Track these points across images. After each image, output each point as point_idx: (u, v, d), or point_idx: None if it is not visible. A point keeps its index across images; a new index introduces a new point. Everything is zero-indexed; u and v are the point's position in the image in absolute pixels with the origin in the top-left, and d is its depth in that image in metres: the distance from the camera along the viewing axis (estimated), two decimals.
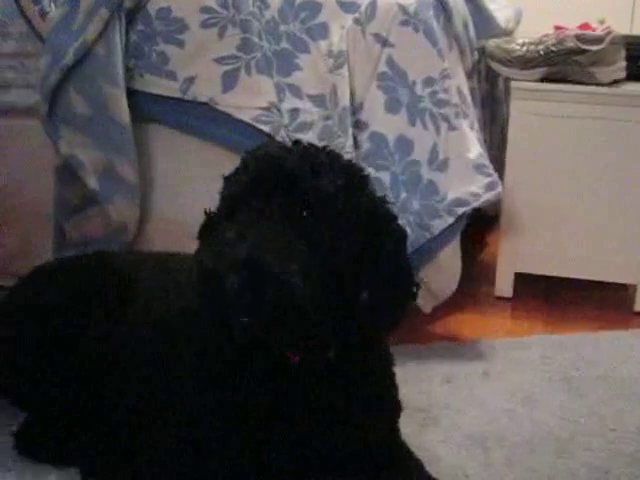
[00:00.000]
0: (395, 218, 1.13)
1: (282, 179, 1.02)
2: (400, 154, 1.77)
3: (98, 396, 1.32)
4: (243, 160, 1.08)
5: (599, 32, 2.03)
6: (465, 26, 1.96)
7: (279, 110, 1.77)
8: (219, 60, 1.77)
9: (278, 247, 0.97)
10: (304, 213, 1.02)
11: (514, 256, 2.12)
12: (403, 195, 1.76)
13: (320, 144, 1.13)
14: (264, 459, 1.13)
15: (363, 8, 1.79)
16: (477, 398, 1.60)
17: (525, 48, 2.04)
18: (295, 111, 1.77)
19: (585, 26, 2.13)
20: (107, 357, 1.32)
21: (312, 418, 1.13)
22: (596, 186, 2.05)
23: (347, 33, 1.78)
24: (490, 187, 1.78)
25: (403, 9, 1.77)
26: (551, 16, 2.54)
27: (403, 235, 1.13)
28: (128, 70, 1.79)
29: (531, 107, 2.03)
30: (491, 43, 2.09)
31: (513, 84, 2.07)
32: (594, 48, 1.99)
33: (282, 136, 1.74)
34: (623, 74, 2.04)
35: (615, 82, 2.03)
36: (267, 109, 1.76)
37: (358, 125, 1.79)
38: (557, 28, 2.10)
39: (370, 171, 1.54)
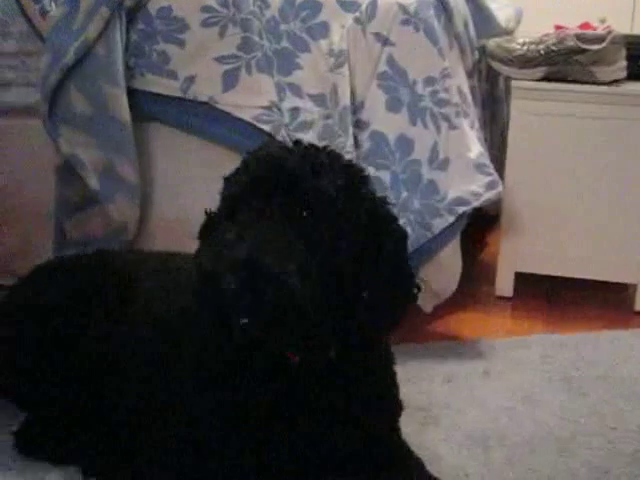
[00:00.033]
0: (395, 219, 1.14)
1: (282, 179, 1.02)
2: (401, 153, 1.77)
3: (98, 396, 1.32)
4: (244, 160, 1.08)
5: (600, 31, 2.03)
6: (465, 25, 1.96)
7: (279, 109, 1.76)
8: (220, 59, 1.77)
9: (277, 247, 0.97)
10: (304, 213, 1.02)
11: (514, 256, 2.12)
12: (404, 194, 1.76)
13: (320, 143, 1.13)
14: (264, 459, 1.13)
15: (364, 7, 1.79)
16: (477, 397, 1.60)
17: (526, 47, 2.04)
18: (295, 110, 1.77)
19: (586, 25, 2.13)
20: (107, 357, 1.32)
21: (312, 418, 1.13)
22: (596, 186, 2.05)
23: (348, 32, 1.78)
24: (491, 186, 1.78)
25: (404, 8, 1.77)
26: (552, 15, 2.54)
27: (403, 235, 1.13)
28: (129, 69, 1.79)
29: (531, 106, 2.03)
30: (492, 42, 2.09)
31: (513, 83, 2.07)
32: (595, 47, 1.99)
33: (282, 135, 1.74)
34: (624, 74, 2.04)
35: (616, 81, 2.03)
36: (268, 108, 1.76)
37: (359, 124, 1.79)
38: (558, 27, 2.10)
39: (370, 170, 1.55)
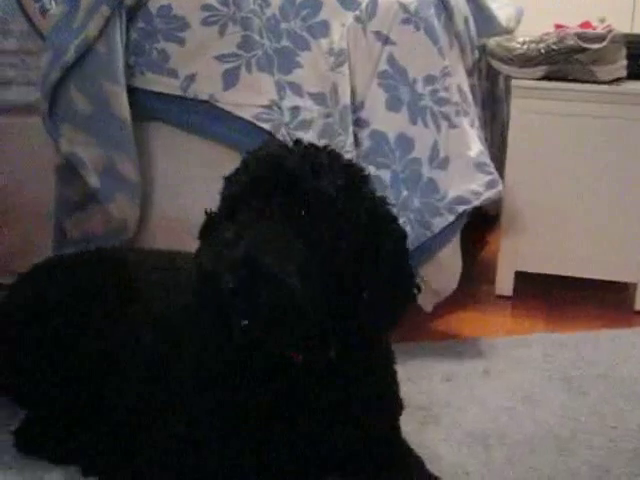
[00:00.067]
0: (395, 218, 1.14)
1: (282, 179, 1.02)
2: (401, 152, 1.77)
3: (98, 395, 1.32)
4: (244, 160, 1.08)
5: (600, 30, 2.03)
6: (466, 24, 1.96)
7: (280, 108, 1.76)
8: (220, 58, 1.77)
9: (277, 247, 0.98)
10: (304, 213, 1.02)
11: (514, 255, 2.12)
12: (404, 193, 1.76)
13: (321, 142, 1.13)
14: (264, 459, 1.13)
15: (364, 6, 1.79)
16: (478, 396, 1.60)
17: (526, 46, 2.04)
18: (296, 109, 1.77)
19: (586, 24, 2.13)
20: (107, 356, 1.31)
21: (313, 417, 1.13)
22: (596, 185, 2.05)
23: (348, 31, 1.78)
24: (491, 185, 1.78)
25: (404, 7, 1.77)
26: (552, 15, 2.54)
27: (403, 235, 1.13)
28: (129, 68, 1.79)
29: (532, 105, 2.03)
30: (492, 41, 2.09)
31: (514, 82, 2.07)
32: (595, 46, 1.99)
33: (282, 134, 1.74)
34: (624, 73, 2.04)
35: (616, 80, 2.03)
36: (268, 107, 1.76)
37: (359, 123, 1.79)
38: (558, 26, 2.10)
39: (371, 169, 1.55)
